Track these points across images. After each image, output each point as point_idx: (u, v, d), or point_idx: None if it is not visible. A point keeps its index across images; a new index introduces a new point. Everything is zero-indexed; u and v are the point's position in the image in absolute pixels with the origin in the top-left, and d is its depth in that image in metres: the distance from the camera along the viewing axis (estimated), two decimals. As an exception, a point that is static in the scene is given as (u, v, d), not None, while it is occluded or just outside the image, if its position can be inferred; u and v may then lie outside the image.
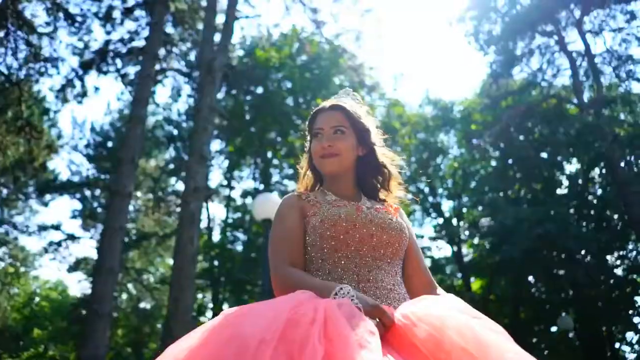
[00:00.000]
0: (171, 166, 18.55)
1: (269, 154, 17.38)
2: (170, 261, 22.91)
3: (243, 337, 1.02)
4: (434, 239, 18.21)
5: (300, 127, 16.10)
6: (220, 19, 11.93)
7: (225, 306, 16.81)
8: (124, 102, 19.45)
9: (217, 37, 11.43)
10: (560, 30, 14.33)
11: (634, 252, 15.78)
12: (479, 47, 15.81)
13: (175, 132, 18.53)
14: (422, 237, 16.31)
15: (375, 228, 1.52)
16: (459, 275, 17.91)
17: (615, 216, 15.92)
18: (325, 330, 1.05)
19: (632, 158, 14.62)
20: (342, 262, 1.49)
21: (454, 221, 18.66)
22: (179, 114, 18.92)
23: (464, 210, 18.29)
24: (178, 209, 18.98)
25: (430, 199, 18.55)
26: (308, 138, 1.76)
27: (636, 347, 16.83)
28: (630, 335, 16.77)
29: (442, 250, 18.71)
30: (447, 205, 18.96)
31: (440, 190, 19.15)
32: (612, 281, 16.13)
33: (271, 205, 7.53)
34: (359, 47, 14.92)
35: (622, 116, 14.61)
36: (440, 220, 18.58)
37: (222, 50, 10.41)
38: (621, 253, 15.90)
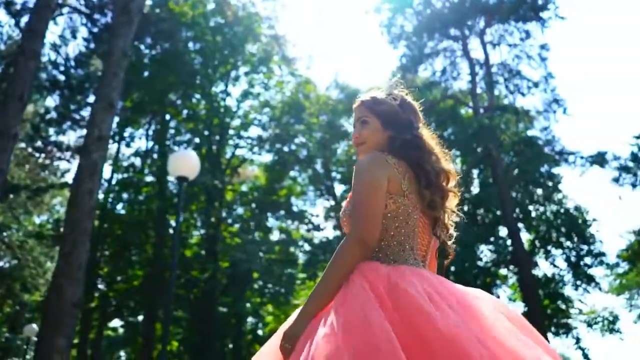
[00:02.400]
0: (53, 115, 16.77)
1: (167, 116, 16.47)
2: (38, 219, 20.86)
3: None
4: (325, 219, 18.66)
5: (206, 91, 15.63)
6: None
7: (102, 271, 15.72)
8: (2, 35, 17.17)
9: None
10: (465, 37, 15.37)
11: (498, 247, 17.63)
12: (390, 40, 16.42)
13: (62, 77, 16.73)
14: (317, 215, 16.66)
15: None
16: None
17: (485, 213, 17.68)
18: None
19: (508, 162, 16.31)
20: None
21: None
22: (68, 59, 17.13)
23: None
24: (57, 163, 17.33)
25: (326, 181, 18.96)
26: None
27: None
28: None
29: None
30: (340, 189, 19.52)
31: (334, 174, 19.67)
32: (475, 271, 17.92)
33: (189, 162, 7.14)
34: (277, 17, 14.65)
35: (504, 125, 16.19)
36: (332, 203, 19.09)
37: (141, -7, 9.59)
38: (489, 247, 17.67)
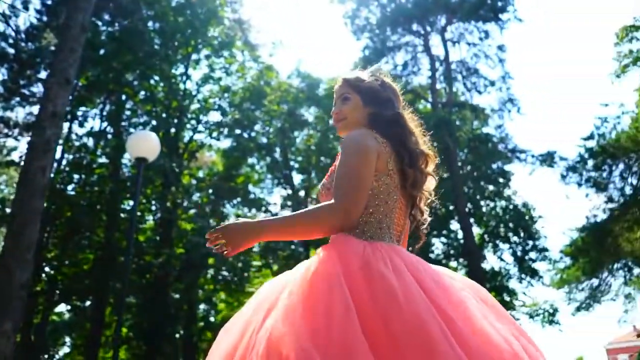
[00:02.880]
0: (0, 89, 15.90)
1: (124, 96, 15.96)
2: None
3: None
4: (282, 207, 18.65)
5: (165, 73, 15.23)
6: None
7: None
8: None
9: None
10: (427, 33, 15.65)
11: (450, 240, 18.18)
12: (353, 31, 16.51)
13: (12, 50, 15.88)
14: (274, 204, 16.63)
15: None
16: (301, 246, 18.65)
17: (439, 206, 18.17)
18: None
19: (462, 158, 16.80)
20: None
21: (302, 194, 19.35)
22: (18, 31, 16.28)
23: (315, 183, 19.06)
24: (4, 140, 16.51)
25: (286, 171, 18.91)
26: None
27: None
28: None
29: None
30: (298, 178, 19.54)
31: (292, 163, 19.66)
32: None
33: (148, 143, 6.98)
34: (241, 1, 14.42)
35: (460, 121, 16.64)
36: (290, 192, 19.09)
37: (102, -34, 9.23)
38: (441, 240, 18.18)
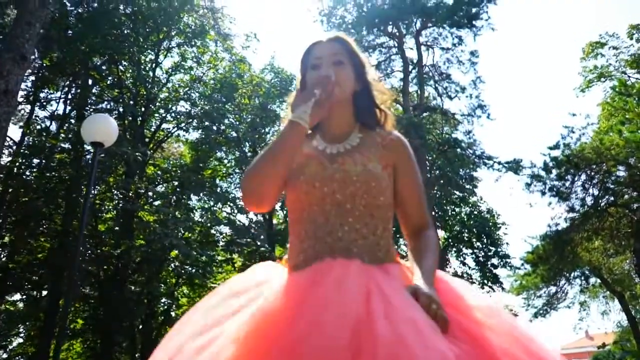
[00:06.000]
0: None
1: (90, 80, 15.47)
2: None
3: None
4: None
5: (134, 59, 14.82)
6: None
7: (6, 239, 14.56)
8: None
9: None
10: (402, 35, 15.67)
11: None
12: (328, 30, 16.42)
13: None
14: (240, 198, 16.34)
15: (337, 184, 1.40)
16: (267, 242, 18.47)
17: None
18: None
19: (430, 162, 16.89)
20: (304, 225, 1.41)
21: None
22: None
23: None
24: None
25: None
26: (300, 74, 1.58)
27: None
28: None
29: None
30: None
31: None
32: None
33: (104, 127, 6.71)
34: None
35: (430, 125, 16.74)
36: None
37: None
38: (405, 242, 18.31)
